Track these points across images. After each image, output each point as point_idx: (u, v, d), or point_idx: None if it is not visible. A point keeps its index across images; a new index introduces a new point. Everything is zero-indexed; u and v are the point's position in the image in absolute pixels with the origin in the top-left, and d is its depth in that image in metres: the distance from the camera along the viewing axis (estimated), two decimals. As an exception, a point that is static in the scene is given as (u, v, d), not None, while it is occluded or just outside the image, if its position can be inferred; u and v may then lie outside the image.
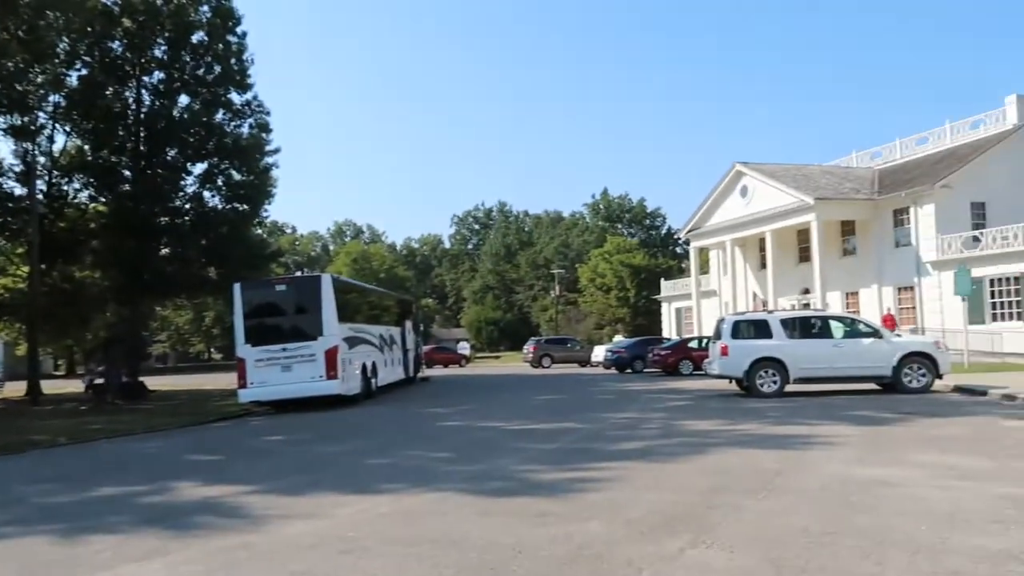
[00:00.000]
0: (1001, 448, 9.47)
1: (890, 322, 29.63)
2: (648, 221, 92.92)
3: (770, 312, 20.71)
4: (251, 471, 10.40)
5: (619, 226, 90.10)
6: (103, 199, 28.29)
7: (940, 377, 17.59)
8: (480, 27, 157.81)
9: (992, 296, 29.42)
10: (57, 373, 62.82)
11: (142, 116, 26.55)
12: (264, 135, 28.48)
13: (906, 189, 33.53)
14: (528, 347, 45.63)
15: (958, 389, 17.62)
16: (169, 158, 27.09)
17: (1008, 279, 28.99)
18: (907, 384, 17.27)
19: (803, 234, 37.85)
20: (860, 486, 7.44)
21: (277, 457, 11.89)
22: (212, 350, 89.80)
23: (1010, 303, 28.94)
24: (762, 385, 17.70)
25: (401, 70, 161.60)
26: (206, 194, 28.65)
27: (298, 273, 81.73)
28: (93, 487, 9.57)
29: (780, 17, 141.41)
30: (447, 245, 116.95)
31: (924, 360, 17.39)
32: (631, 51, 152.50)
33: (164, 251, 29.15)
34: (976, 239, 30.60)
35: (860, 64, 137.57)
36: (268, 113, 28.66)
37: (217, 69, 27.00)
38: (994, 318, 29.31)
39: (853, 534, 5.73)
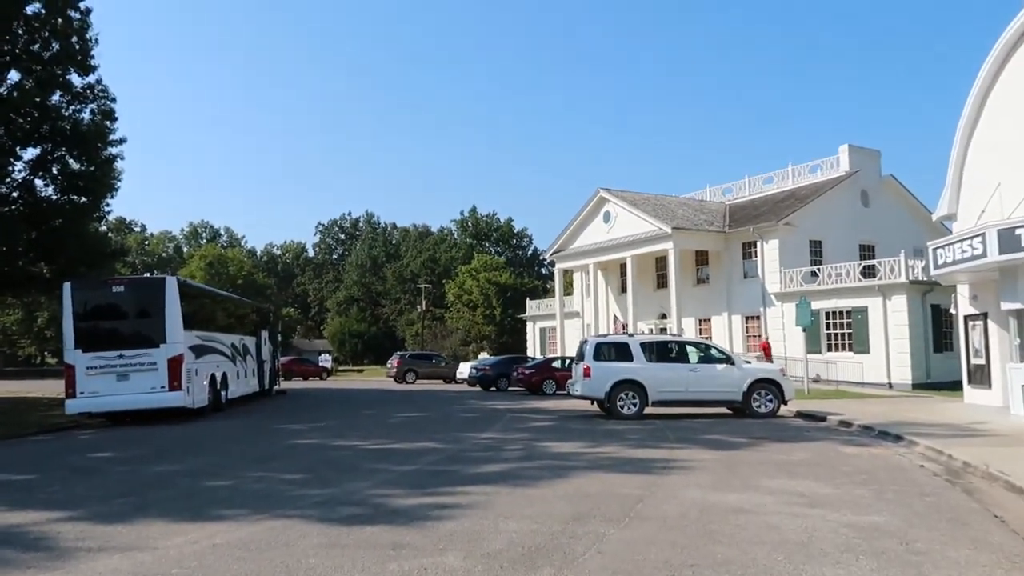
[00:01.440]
0: (842, 474, 9.93)
1: (767, 350, 30.72)
2: (515, 241, 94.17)
3: (631, 335, 21.21)
4: (67, 494, 9.24)
5: (486, 244, 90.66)
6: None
7: (785, 403, 18.61)
8: (354, 34, 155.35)
9: (827, 328, 31.75)
10: None
11: (-37, 91, 23.63)
12: (108, 122, 26.03)
13: (754, 224, 35.73)
14: (392, 361, 44.66)
15: (800, 415, 18.69)
16: (-7, 139, 24.28)
17: (841, 312, 31.41)
18: (756, 409, 18.12)
19: (661, 261, 39.43)
20: (718, 514, 7.48)
21: (101, 477, 10.64)
22: (45, 353, 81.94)
23: (842, 335, 31.36)
24: (622, 407, 17.99)
25: (270, 72, 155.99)
26: (38, 182, 25.88)
27: (146, 275, 76.47)
28: None
29: (647, 52, 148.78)
30: (311, 254, 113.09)
31: (771, 386, 18.33)
32: (503, 73, 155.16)
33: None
34: (814, 274, 33.00)
35: (719, 102, 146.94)
36: (114, 100, 26.29)
37: (55, 46, 24.40)
38: (829, 348, 31.64)
39: (714, 565, 5.66)
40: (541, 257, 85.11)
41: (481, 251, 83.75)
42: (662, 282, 39.63)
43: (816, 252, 35.24)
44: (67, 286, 18.65)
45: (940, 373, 28.47)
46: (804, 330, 26.29)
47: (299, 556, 6.00)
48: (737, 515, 7.41)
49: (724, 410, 19.09)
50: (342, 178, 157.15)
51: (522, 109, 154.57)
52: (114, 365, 18.03)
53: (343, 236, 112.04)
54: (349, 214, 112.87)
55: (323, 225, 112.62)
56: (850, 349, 30.90)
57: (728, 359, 18.93)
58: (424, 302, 71.54)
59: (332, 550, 6.18)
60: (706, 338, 35.00)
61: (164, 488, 9.42)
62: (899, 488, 8.96)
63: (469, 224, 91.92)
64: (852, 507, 7.82)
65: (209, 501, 8.46)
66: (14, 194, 25.74)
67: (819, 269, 32.87)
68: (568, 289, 50.38)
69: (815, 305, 29.38)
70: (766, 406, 18.20)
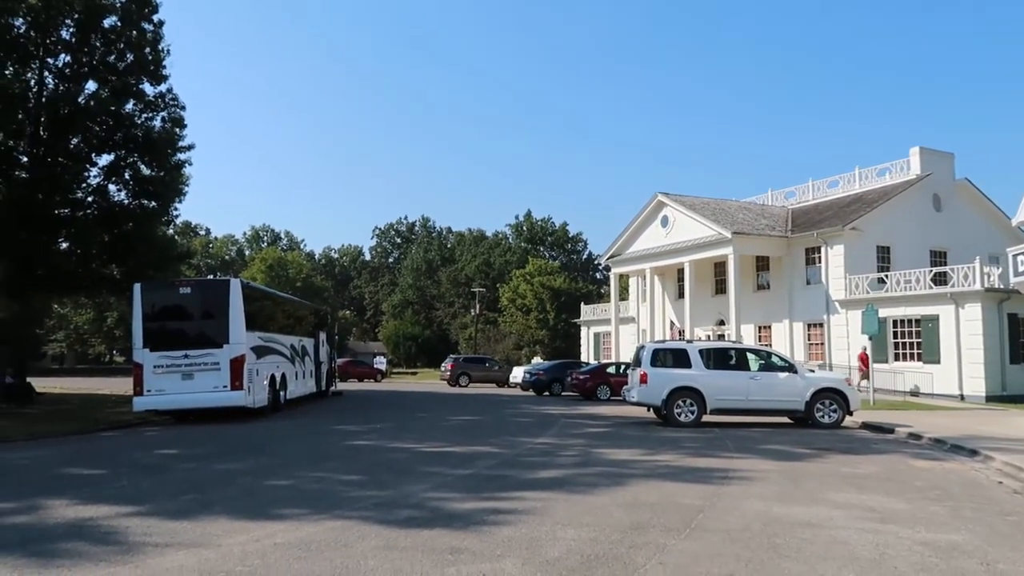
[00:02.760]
0: (914, 489, 9.52)
1: (865, 361, 27.79)
2: (569, 245, 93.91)
3: (689, 342, 20.82)
4: (135, 489, 9.51)
5: (541, 248, 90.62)
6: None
7: (851, 414, 17.99)
8: (410, 41, 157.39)
9: (894, 336, 30.66)
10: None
11: (44, 100, 24.72)
12: (177, 130, 27.01)
13: (818, 229, 34.72)
14: (446, 365, 44.98)
15: (866, 426, 18.04)
16: (72, 146, 25.35)
17: (909, 321, 30.30)
18: (819, 419, 17.59)
19: (720, 267, 38.70)
20: (783, 527, 7.23)
21: (167, 474, 10.93)
22: (114, 352, 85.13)
23: (911, 343, 30.23)
24: (679, 415, 17.68)
25: (331, 78, 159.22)
26: (111, 187, 27.00)
27: (209, 277, 78.73)
28: (-54, 504, 8.48)
29: (704, 56, 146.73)
30: (367, 257, 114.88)
31: (835, 396, 17.76)
32: (560, 77, 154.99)
33: (63, 245, 27.28)
34: (881, 281, 31.91)
35: (782, 105, 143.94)
36: (183, 108, 27.30)
37: (129, 57, 25.49)
38: (896, 357, 30.53)
39: (782, 581, 5.46)
40: (596, 262, 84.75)
41: (535, 255, 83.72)
42: (720, 287, 38.89)
43: (884, 258, 34.08)
44: (137, 287, 19.28)
45: (1017, 385, 27.23)
46: (871, 339, 25.42)
47: (358, 558, 6.02)
48: (803, 529, 7.15)
49: (784, 420, 18.59)
50: (399, 183, 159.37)
51: (579, 114, 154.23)
52: (179, 364, 18.54)
53: (399, 240, 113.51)
54: (405, 218, 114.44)
55: (380, 229, 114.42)
56: (919, 359, 29.77)
57: (790, 367, 18.43)
58: (478, 306, 71.80)
59: (391, 552, 6.19)
60: (766, 345, 34.18)
61: (227, 486, 9.61)
62: (977, 505, 8.54)
63: (524, 228, 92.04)
64: (927, 524, 7.47)
65: (270, 500, 8.59)
66: (89, 199, 26.80)
67: (887, 276, 31.78)
68: (623, 294, 49.90)
69: (882, 313, 28.38)
70: (830, 416, 17.64)
